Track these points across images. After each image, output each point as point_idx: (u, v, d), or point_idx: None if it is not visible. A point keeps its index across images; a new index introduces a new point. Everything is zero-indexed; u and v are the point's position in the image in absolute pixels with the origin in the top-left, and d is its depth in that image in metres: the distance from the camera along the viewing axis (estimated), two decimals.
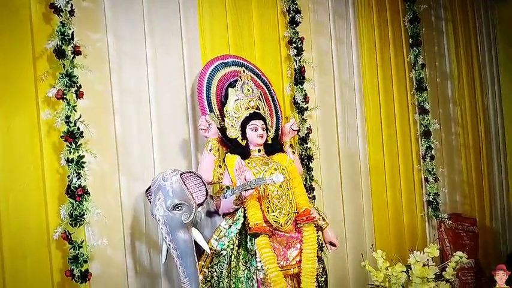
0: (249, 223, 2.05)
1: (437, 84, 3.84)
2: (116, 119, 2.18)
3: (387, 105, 3.39)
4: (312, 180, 2.80)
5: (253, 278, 2.04)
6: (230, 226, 2.09)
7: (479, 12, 4.23)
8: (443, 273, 2.33)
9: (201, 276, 2.01)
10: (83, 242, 1.93)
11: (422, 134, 3.53)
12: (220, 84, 2.37)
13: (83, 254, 1.91)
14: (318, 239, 2.21)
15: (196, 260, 1.99)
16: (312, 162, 2.80)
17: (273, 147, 2.33)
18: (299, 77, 2.83)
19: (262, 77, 2.59)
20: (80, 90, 1.97)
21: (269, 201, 2.11)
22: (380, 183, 3.28)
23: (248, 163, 2.17)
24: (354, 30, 3.25)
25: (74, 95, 1.95)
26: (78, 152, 1.92)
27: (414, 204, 3.51)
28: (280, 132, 2.50)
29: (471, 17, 4.14)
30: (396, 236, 3.32)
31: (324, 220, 2.36)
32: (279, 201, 2.13)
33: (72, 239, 1.91)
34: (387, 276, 2.31)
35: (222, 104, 2.32)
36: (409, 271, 2.28)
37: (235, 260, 2.07)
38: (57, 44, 1.91)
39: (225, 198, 2.02)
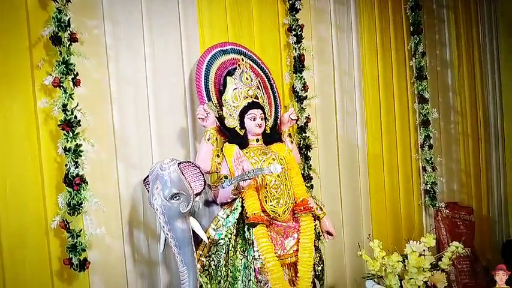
0: (246, 213, 2.06)
1: (437, 72, 3.81)
2: (113, 107, 2.17)
3: (386, 94, 3.37)
4: (310, 169, 2.80)
5: (250, 267, 2.05)
6: (228, 216, 2.09)
7: (482, 1, 4.18)
8: (439, 262, 2.34)
9: (198, 265, 2.02)
10: (81, 230, 1.94)
11: (421, 123, 3.52)
12: (218, 72, 2.35)
13: (81, 243, 1.93)
14: (315, 228, 2.22)
15: (194, 249, 1.99)
16: (310, 151, 2.80)
17: (271, 136, 2.32)
18: (298, 65, 2.81)
19: (261, 65, 2.56)
20: (77, 78, 1.95)
21: (267, 191, 2.11)
22: (378, 172, 3.28)
23: (246, 153, 2.16)
24: (355, 17, 3.21)
25: (71, 83, 1.94)
26: (75, 141, 1.92)
27: (411, 193, 3.52)
28: (278, 122, 2.49)
29: (473, 6, 4.09)
30: (393, 225, 3.33)
31: (321, 210, 2.37)
32: (276, 191, 2.13)
33: (70, 227, 1.92)
34: (383, 266, 2.32)
35: (221, 92, 2.30)
36: (406, 261, 2.29)
37: (232, 249, 2.08)
38: (53, 31, 1.90)
39: (223, 188, 2.02)
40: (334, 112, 3.08)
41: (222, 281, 2.06)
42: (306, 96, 2.82)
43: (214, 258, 2.08)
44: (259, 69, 2.52)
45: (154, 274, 2.28)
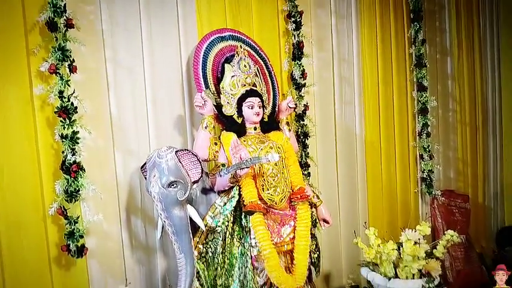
0: (243, 201, 2.07)
1: (437, 60, 3.79)
2: (110, 94, 2.16)
3: (385, 81, 3.35)
4: (308, 157, 2.80)
5: (247, 254, 2.07)
6: (225, 203, 2.10)
7: None
8: (434, 251, 2.37)
9: (196, 252, 2.04)
10: (78, 217, 1.95)
11: (420, 111, 3.52)
12: (216, 59, 2.33)
13: (79, 230, 1.94)
14: (311, 216, 2.24)
15: (191, 237, 2.01)
16: (308, 139, 2.79)
17: (269, 125, 2.31)
18: (297, 52, 2.78)
19: (260, 51, 2.54)
20: (73, 64, 1.94)
21: (264, 179, 2.12)
22: (375, 160, 3.29)
23: (244, 141, 2.16)
24: (355, 3, 3.17)
25: (67, 70, 1.92)
26: (72, 128, 1.92)
27: (408, 180, 3.53)
28: (276, 109, 2.48)
29: None
30: (389, 213, 3.36)
31: (318, 198, 2.38)
32: (274, 180, 2.14)
33: (68, 214, 1.92)
34: (378, 253, 2.35)
35: (218, 79, 2.29)
36: (401, 249, 2.32)
37: (229, 236, 2.09)
38: (49, 17, 1.87)
39: (221, 176, 2.03)
40: (333, 100, 3.07)
41: (219, 268, 2.08)
42: (305, 83, 2.80)
43: (212, 246, 2.09)
44: (257, 56, 2.50)
45: (151, 260, 2.30)
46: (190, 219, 2.01)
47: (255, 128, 2.24)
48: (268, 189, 2.12)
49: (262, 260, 2.04)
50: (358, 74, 3.19)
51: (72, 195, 1.90)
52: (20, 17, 1.88)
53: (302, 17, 2.79)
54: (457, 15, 3.88)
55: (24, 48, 1.89)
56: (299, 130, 2.78)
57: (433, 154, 3.55)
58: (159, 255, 2.31)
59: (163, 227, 1.99)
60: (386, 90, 3.36)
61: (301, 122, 2.77)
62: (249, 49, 2.42)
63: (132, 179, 2.22)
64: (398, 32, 3.44)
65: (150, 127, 2.28)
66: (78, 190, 1.92)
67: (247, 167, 1.96)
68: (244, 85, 2.20)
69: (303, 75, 2.78)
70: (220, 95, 2.23)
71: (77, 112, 1.93)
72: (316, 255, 2.29)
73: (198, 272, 2.03)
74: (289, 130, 2.43)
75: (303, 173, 2.56)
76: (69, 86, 1.91)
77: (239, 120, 2.21)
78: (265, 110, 2.29)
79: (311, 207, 2.28)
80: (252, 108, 2.18)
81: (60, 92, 1.89)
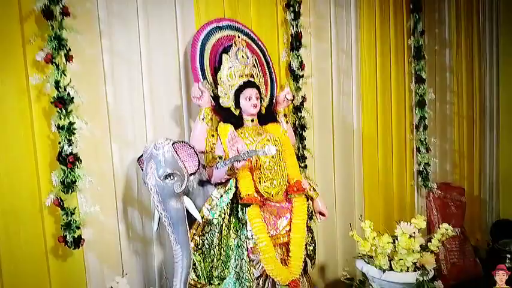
0: (240, 193, 2.07)
1: (436, 52, 3.78)
2: (107, 84, 2.13)
3: (384, 73, 3.34)
4: (305, 149, 2.80)
5: (243, 246, 2.08)
6: (222, 196, 2.10)
7: None
8: (429, 244, 2.38)
9: (192, 244, 2.04)
10: (75, 208, 1.94)
11: (417, 103, 3.51)
12: (214, 49, 2.31)
13: (76, 221, 1.93)
14: (307, 209, 2.24)
15: (188, 228, 2.01)
16: (305, 131, 2.79)
17: (267, 117, 2.30)
18: (295, 43, 2.76)
19: (258, 42, 2.52)
20: (70, 53, 1.91)
21: (261, 172, 2.12)
22: (372, 153, 3.29)
23: (241, 133, 2.16)
24: None
25: (64, 59, 1.89)
26: (68, 118, 1.90)
27: (404, 173, 3.54)
28: (274, 101, 2.46)
29: None
30: (385, 206, 3.37)
31: (314, 190, 2.38)
32: (270, 172, 2.14)
33: (65, 205, 1.92)
34: (374, 246, 2.37)
35: (216, 70, 2.27)
36: (396, 242, 2.33)
37: (226, 228, 2.10)
38: (45, 4, 1.84)
39: (217, 168, 2.02)
40: (331, 91, 3.06)
41: (215, 260, 2.09)
42: (303, 74, 2.78)
43: (208, 237, 2.10)
44: (255, 47, 2.48)
45: (148, 251, 2.31)
46: (187, 211, 2.01)
47: (253, 120, 2.23)
48: (264, 182, 2.12)
49: (258, 252, 2.05)
50: (356, 65, 3.17)
51: (68, 186, 1.89)
52: (16, 4, 1.84)
53: (301, 7, 2.75)
54: (457, 7, 3.86)
55: (20, 37, 1.86)
56: (297, 122, 2.77)
57: (430, 147, 3.55)
58: (155, 247, 2.32)
59: (160, 218, 1.99)
60: (384, 82, 3.35)
61: (298, 114, 2.76)
62: (247, 39, 2.40)
63: (129, 170, 2.21)
64: (398, 23, 3.42)
65: (147, 118, 2.25)
66: (75, 181, 1.91)
67: (244, 160, 1.96)
68: (242, 76, 2.19)
69: (301, 66, 2.76)
70: (218, 86, 2.21)
71: (73, 102, 1.91)
72: (311, 248, 2.31)
73: (194, 264, 2.04)
74: (287, 122, 2.43)
75: (299, 165, 2.57)
76: (65, 75, 1.89)
77: (236, 112, 2.20)
78: (262, 102, 2.28)
79: (307, 200, 2.28)
80: (249, 100, 2.17)
81: (57, 82, 1.87)
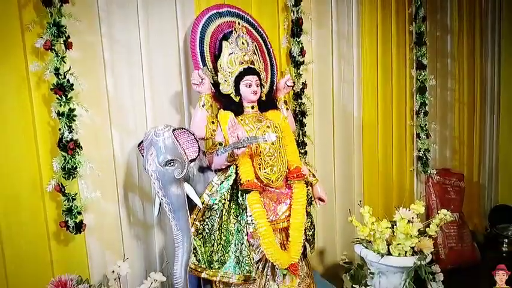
0: (240, 179, 2.09)
1: (437, 38, 3.75)
2: (106, 71, 2.13)
3: (385, 59, 3.32)
4: (305, 135, 2.81)
5: (243, 231, 2.10)
6: (222, 182, 2.12)
7: None
8: (427, 229, 2.41)
9: (193, 229, 2.07)
10: (76, 194, 1.96)
11: (418, 89, 3.50)
12: (214, 36, 2.30)
13: (77, 206, 1.96)
14: (307, 195, 2.26)
15: (189, 214, 2.04)
16: (305, 117, 2.79)
17: (267, 104, 2.30)
18: (296, 29, 2.74)
19: (258, 28, 2.50)
20: (69, 40, 1.91)
21: (261, 158, 2.13)
22: (372, 139, 3.29)
23: (241, 120, 2.16)
24: None
25: (63, 46, 1.89)
26: (68, 105, 1.91)
27: (404, 159, 3.55)
28: (274, 88, 2.47)
29: None
30: (384, 191, 3.39)
31: (314, 176, 2.40)
32: (270, 159, 2.15)
33: (66, 191, 1.94)
34: (372, 231, 2.39)
35: (216, 57, 2.26)
36: (394, 227, 2.36)
37: (226, 213, 2.12)
38: None
39: (218, 155, 2.03)
40: (331, 78, 3.05)
41: (215, 244, 2.11)
42: (303, 61, 2.78)
43: (208, 223, 2.12)
44: (256, 33, 2.46)
45: (149, 236, 2.34)
46: (188, 197, 2.04)
47: (253, 107, 2.23)
48: (264, 168, 2.13)
49: (258, 236, 2.08)
50: (357, 51, 3.15)
51: (69, 172, 1.91)
52: None
53: None
54: None
55: (19, 24, 1.86)
56: (297, 109, 2.77)
57: (430, 133, 3.56)
58: (156, 232, 2.35)
59: (160, 204, 2.01)
60: (385, 69, 3.33)
61: (299, 101, 2.76)
62: (247, 25, 2.38)
63: (130, 156, 2.23)
64: (399, 9, 3.39)
65: (147, 104, 2.26)
66: (76, 167, 1.93)
67: (244, 147, 1.97)
68: (242, 63, 2.18)
69: (302, 52, 2.75)
70: (218, 73, 2.21)
71: (73, 89, 1.91)
72: (311, 233, 2.34)
73: (195, 248, 2.07)
74: (287, 109, 2.43)
75: (299, 152, 2.58)
76: (64, 62, 1.89)
77: (236, 99, 2.20)
78: (262, 89, 2.28)
79: (307, 186, 2.30)
80: (249, 87, 2.17)
81: (56, 69, 1.87)
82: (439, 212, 2.46)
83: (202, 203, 2.09)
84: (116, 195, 2.19)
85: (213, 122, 2.16)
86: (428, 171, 3.57)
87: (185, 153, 1.98)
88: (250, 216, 2.08)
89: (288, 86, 2.40)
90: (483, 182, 4.32)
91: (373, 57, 3.25)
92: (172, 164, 1.93)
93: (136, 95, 2.24)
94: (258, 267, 2.14)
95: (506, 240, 3.85)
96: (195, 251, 2.07)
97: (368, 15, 3.18)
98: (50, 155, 1.96)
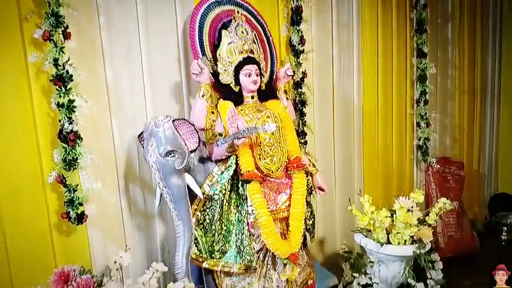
0: (241, 170, 2.09)
1: (438, 25, 3.72)
2: (105, 61, 2.12)
3: (385, 47, 3.30)
4: (305, 125, 2.80)
5: (244, 221, 2.11)
6: (222, 172, 2.12)
7: None
8: (426, 218, 2.42)
9: (193, 219, 2.08)
10: (77, 185, 1.96)
11: (418, 78, 3.49)
12: (213, 25, 2.28)
13: (78, 197, 1.96)
14: (307, 184, 2.27)
15: (189, 204, 2.05)
16: (305, 107, 2.78)
17: (267, 93, 2.29)
18: (296, 17, 2.72)
19: (258, 17, 2.49)
20: (67, 30, 1.89)
21: (261, 148, 2.13)
22: (372, 128, 3.29)
23: (241, 110, 2.16)
24: None
25: (61, 36, 1.88)
26: (68, 96, 1.90)
27: (404, 148, 3.56)
28: (274, 77, 2.45)
29: None
30: (384, 180, 3.40)
31: (313, 166, 2.40)
32: (270, 149, 2.15)
33: (67, 182, 1.94)
34: (372, 220, 2.40)
35: (215, 46, 2.25)
36: (394, 216, 2.37)
37: (227, 204, 2.13)
38: None
39: (218, 145, 2.03)
40: (331, 66, 3.03)
41: (216, 234, 2.13)
42: (303, 50, 2.76)
43: (209, 213, 2.13)
44: (255, 22, 2.45)
45: (150, 226, 2.35)
46: (188, 187, 2.04)
47: (252, 97, 2.23)
48: (265, 159, 2.14)
49: (258, 226, 2.09)
50: (357, 39, 3.13)
51: (70, 163, 1.91)
52: None
53: None
54: None
55: (17, 14, 1.84)
56: (297, 98, 2.76)
57: (430, 122, 3.55)
58: (157, 222, 2.36)
59: (161, 195, 2.02)
60: (385, 57, 3.32)
61: (299, 90, 2.75)
62: (246, 14, 2.37)
63: (130, 147, 2.23)
64: None
65: (147, 95, 2.25)
66: (76, 159, 1.92)
67: (244, 137, 1.96)
68: (242, 52, 2.17)
69: (302, 41, 2.74)
70: (217, 63, 2.20)
71: (72, 80, 1.90)
72: (311, 222, 2.35)
73: (196, 238, 2.08)
74: (287, 99, 2.42)
75: (299, 142, 2.58)
76: (63, 53, 1.88)
77: (236, 89, 2.19)
78: (262, 78, 2.27)
79: (307, 176, 2.31)
80: (249, 76, 2.16)
81: (55, 60, 1.86)
82: (438, 200, 2.47)
83: (203, 194, 2.10)
84: (116, 186, 2.20)
85: (212, 112, 2.15)
86: (428, 160, 3.57)
87: (185, 143, 1.98)
88: (251, 206, 2.09)
89: (287, 75, 2.39)
90: (483, 171, 4.33)
91: (373, 45, 3.23)
92: (172, 154, 1.93)
93: (135, 86, 2.23)
94: (258, 257, 2.16)
95: (505, 229, 3.88)
96: (196, 241, 2.08)
97: (368, 2, 3.16)
98: (51, 146, 1.96)
